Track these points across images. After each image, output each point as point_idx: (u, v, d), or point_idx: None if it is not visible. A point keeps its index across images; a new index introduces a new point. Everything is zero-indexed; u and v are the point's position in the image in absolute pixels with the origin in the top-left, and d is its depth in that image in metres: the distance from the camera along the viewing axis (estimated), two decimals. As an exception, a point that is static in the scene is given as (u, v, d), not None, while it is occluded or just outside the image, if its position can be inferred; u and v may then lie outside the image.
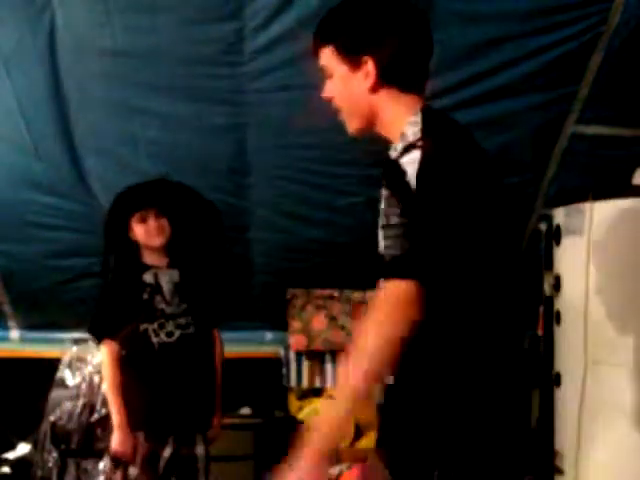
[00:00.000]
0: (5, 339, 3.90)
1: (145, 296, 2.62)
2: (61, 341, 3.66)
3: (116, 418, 2.59)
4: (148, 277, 2.64)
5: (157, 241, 2.65)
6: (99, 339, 2.71)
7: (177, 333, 2.61)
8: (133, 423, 2.59)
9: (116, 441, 2.58)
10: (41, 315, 3.84)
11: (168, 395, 2.58)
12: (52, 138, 3.10)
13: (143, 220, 2.63)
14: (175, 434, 2.60)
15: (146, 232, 2.63)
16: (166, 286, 2.65)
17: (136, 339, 2.61)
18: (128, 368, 2.62)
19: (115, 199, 2.71)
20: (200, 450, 2.64)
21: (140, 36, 2.78)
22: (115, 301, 2.66)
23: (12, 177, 3.25)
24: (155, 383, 2.59)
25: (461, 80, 2.98)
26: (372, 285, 3.92)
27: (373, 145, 3.20)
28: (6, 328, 3.90)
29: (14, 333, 3.91)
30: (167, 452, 2.58)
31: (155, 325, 2.60)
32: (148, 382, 2.60)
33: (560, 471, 3.07)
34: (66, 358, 3.59)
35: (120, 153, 3.18)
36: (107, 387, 2.68)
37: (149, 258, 2.69)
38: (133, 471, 2.57)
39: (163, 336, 2.59)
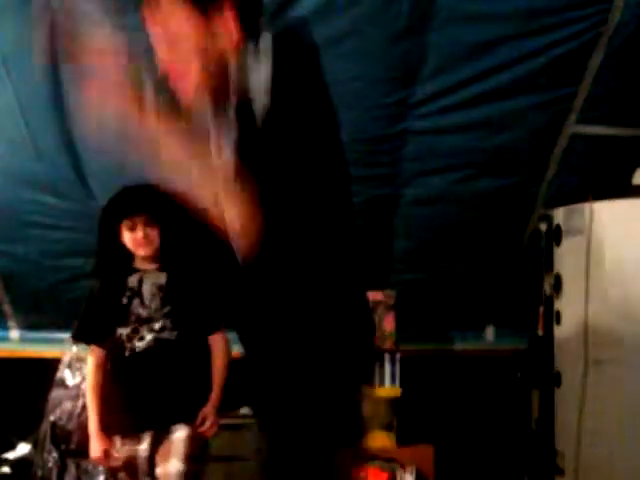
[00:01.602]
0: (5, 339, 3.90)
1: (124, 300, 2.58)
2: (61, 341, 3.66)
3: (90, 425, 2.58)
4: (132, 281, 2.61)
5: (143, 251, 2.61)
6: (84, 344, 2.71)
7: (149, 337, 2.55)
8: (109, 428, 2.56)
9: (91, 448, 2.57)
10: (41, 315, 3.84)
11: (138, 398, 2.53)
12: (52, 138, 3.10)
13: (132, 228, 2.59)
14: (151, 429, 2.54)
15: (133, 241, 2.59)
16: (147, 289, 2.60)
17: (111, 344, 2.59)
18: (107, 373, 2.61)
19: (107, 202, 2.68)
20: (180, 433, 2.53)
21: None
22: (97, 306, 2.64)
23: (12, 177, 3.25)
24: (126, 388, 2.55)
25: (461, 80, 2.98)
26: (372, 285, 3.92)
27: (371, 145, 3.22)
28: (6, 328, 3.90)
29: (14, 333, 3.91)
30: (143, 450, 2.53)
31: (129, 329, 2.56)
32: (120, 387, 2.57)
33: (560, 471, 3.07)
34: (66, 358, 3.59)
35: (120, 153, 3.17)
36: (86, 394, 2.66)
37: (139, 262, 2.65)
38: (122, 476, 2.56)
39: (136, 341, 2.54)
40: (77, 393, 3.48)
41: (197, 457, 2.55)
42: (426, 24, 2.79)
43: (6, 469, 3.53)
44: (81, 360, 3.58)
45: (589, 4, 2.77)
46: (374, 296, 3.51)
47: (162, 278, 2.63)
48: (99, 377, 2.62)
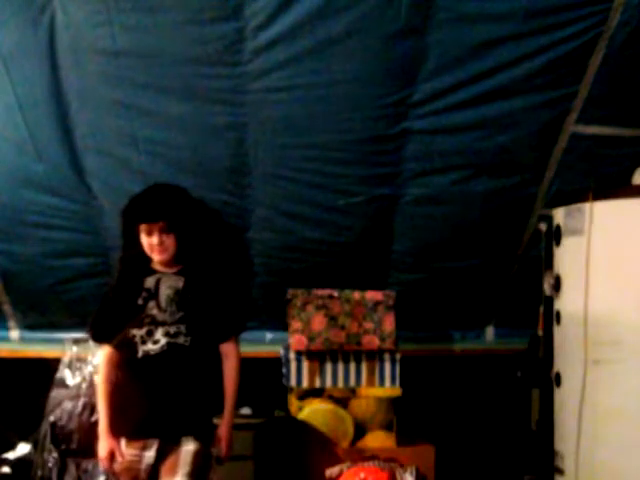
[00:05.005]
0: (5, 339, 3.89)
1: (140, 301, 2.58)
2: (61, 341, 3.66)
3: (99, 423, 2.58)
4: (149, 282, 2.61)
5: (158, 257, 2.62)
6: (96, 342, 2.71)
7: (163, 341, 2.53)
8: (117, 428, 2.55)
9: (99, 448, 2.56)
10: (41, 315, 3.84)
11: (148, 402, 2.52)
12: (52, 138, 3.10)
13: (149, 233, 2.59)
14: (159, 438, 2.52)
15: (149, 245, 2.60)
16: (164, 292, 2.59)
17: (124, 344, 2.58)
18: (121, 373, 2.61)
19: (127, 203, 2.67)
20: (189, 447, 2.50)
21: (140, 36, 2.78)
22: (112, 305, 2.65)
23: (12, 177, 3.25)
24: (138, 389, 2.54)
25: (461, 80, 2.98)
26: (372, 285, 3.93)
27: (372, 145, 3.22)
28: (6, 328, 3.90)
29: (14, 333, 3.91)
30: (149, 457, 2.51)
31: (143, 331, 2.54)
32: (131, 388, 2.56)
33: (560, 471, 3.07)
34: (66, 358, 3.59)
35: (120, 153, 3.17)
36: (97, 392, 2.67)
37: (157, 264, 2.66)
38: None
39: (149, 343, 2.53)
40: (77, 393, 3.48)
41: (202, 475, 2.52)
42: (426, 24, 2.80)
43: (6, 469, 3.53)
44: (81, 360, 3.58)
45: (589, 4, 2.77)
46: (374, 296, 3.51)
47: (180, 282, 2.63)
48: (108, 376, 2.61)
